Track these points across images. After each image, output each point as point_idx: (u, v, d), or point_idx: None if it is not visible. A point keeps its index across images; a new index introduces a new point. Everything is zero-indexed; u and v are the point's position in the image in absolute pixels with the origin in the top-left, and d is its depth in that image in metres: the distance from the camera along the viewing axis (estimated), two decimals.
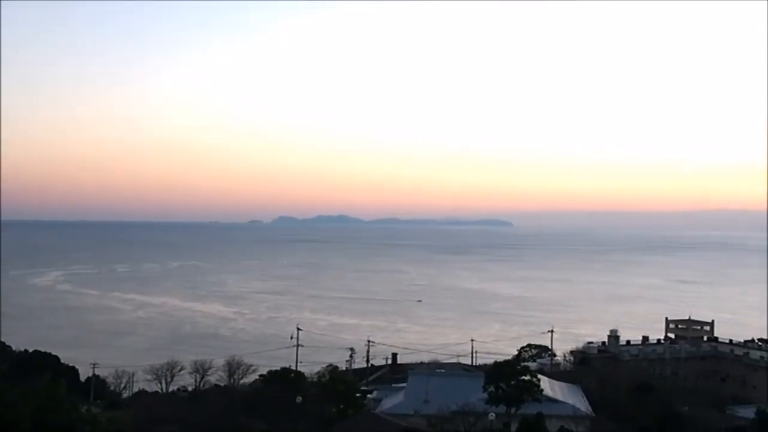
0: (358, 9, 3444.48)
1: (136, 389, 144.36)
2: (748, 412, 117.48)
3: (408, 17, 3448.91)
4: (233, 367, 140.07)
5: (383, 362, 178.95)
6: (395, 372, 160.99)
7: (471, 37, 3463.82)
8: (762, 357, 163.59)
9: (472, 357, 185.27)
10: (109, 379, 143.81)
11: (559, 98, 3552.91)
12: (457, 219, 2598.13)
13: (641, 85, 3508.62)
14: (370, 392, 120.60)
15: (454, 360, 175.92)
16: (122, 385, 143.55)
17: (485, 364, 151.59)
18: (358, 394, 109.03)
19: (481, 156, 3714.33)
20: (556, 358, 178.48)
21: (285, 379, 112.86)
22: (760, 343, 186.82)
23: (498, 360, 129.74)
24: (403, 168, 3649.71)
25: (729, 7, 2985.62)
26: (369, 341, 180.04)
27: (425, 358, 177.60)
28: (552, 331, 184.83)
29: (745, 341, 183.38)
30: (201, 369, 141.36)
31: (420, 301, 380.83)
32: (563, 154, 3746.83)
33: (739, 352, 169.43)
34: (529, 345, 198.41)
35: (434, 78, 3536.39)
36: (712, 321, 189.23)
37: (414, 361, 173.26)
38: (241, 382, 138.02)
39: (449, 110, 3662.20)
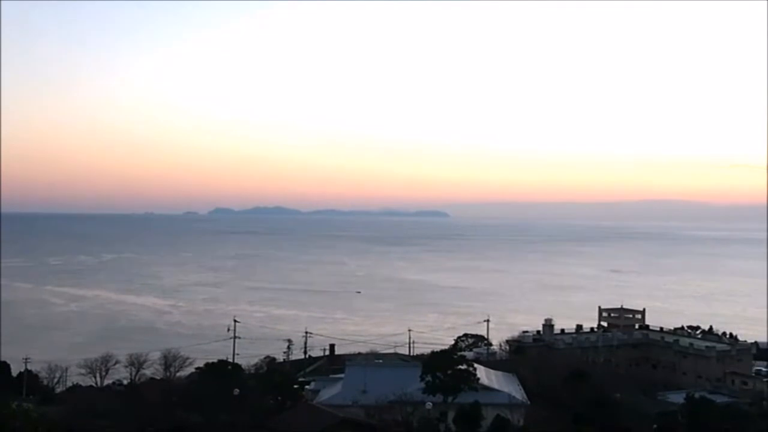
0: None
1: (69, 384, 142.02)
2: (678, 398, 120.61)
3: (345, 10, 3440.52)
4: (169, 360, 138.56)
5: (321, 353, 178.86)
6: (333, 363, 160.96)
7: (407, 28, 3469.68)
8: (691, 344, 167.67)
9: (409, 347, 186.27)
10: (42, 374, 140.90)
11: (497, 90, 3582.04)
12: (395, 210, 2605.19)
13: (581, 78, 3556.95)
14: (308, 383, 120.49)
15: (391, 350, 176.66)
16: (56, 380, 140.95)
17: (422, 354, 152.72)
18: (295, 386, 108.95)
19: (418, 147, 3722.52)
20: (492, 347, 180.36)
21: (222, 372, 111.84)
22: (689, 331, 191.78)
23: (435, 350, 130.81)
24: (341, 160, 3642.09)
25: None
26: (307, 332, 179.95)
27: (363, 348, 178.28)
28: (488, 321, 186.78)
29: (675, 329, 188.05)
30: (136, 362, 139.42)
31: (359, 292, 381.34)
32: (503, 145, 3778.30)
33: (669, 339, 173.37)
34: (465, 335, 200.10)
35: (372, 68, 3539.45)
36: (644, 309, 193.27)
37: (352, 352, 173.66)
38: (178, 375, 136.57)
39: (386, 102, 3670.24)
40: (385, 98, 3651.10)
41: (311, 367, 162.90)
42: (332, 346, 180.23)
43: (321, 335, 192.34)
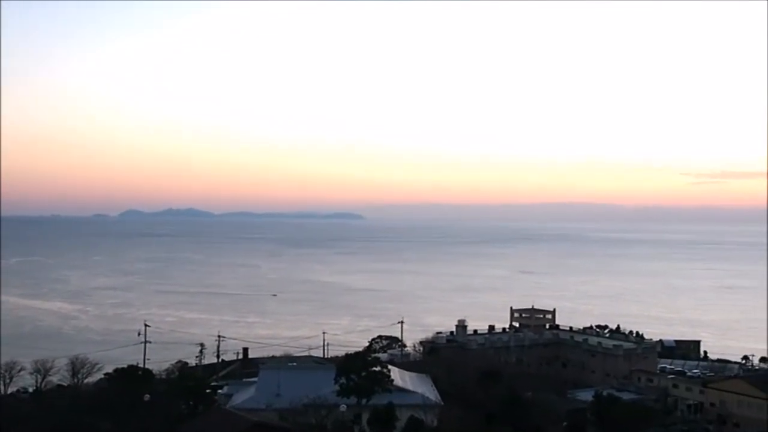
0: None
1: None
2: (586, 395, 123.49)
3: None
4: (77, 366, 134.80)
5: (234, 357, 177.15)
6: (246, 367, 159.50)
7: (328, 25, 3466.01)
8: (599, 343, 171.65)
9: (323, 349, 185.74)
10: None
11: (417, 90, 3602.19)
12: (310, 212, 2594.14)
13: (500, 80, 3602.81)
14: (221, 388, 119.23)
15: (305, 353, 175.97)
16: None
17: (337, 357, 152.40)
18: (208, 390, 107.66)
19: (333, 148, 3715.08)
20: (406, 348, 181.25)
21: (132, 378, 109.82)
22: (598, 330, 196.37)
23: (349, 352, 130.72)
24: (255, 160, 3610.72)
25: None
26: (219, 336, 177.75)
27: (277, 352, 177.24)
28: (402, 323, 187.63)
29: (584, 328, 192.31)
30: (42, 369, 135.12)
31: (275, 295, 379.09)
32: (419, 146, 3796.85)
33: (578, 338, 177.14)
34: (379, 336, 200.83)
35: (290, 66, 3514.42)
36: (554, 310, 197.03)
37: (265, 356, 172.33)
38: (86, 381, 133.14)
39: (303, 101, 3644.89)
40: (301, 97, 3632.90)
41: (224, 372, 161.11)
42: (245, 350, 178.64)
43: (234, 339, 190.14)
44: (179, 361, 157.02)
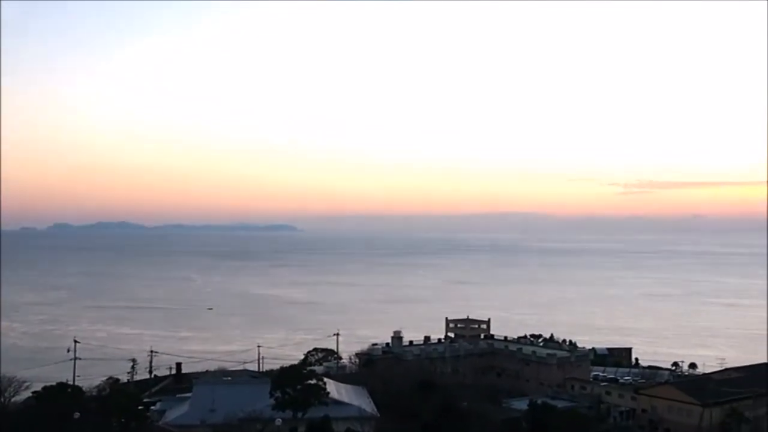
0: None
1: None
2: (521, 404, 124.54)
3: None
4: (4, 385, 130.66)
5: (167, 373, 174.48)
6: (180, 382, 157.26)
7: (267, 30, 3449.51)
8: (534, 352, 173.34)
9: (258, 363, 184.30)
10: None
11: (350, 98, 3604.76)
12: (244, 224, 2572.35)
13: (433, 89, 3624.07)
14: (154, 404, 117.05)
15: (240, 367, 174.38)
16: None
17: (272, 370, 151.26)
18: (140, 407, 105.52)
19: (266, 158, 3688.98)
20: (342, 361, 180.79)
21: (61, 395, 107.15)
22: (532, 339, 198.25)
23: (284, 365, 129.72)
24: (189, 171, 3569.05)
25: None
26: (152, 351, 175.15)
27: (211, 366, 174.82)
28: (337, 335, 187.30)
29: (519, 337, 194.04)
30: None
31: (211, 309, 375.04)
32: (353, 156, 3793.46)
33: (513, 348, 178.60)
34: (315, 349, 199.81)
35: (225, 75, 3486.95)
36: (489, 319, 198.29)
37: (199, 370, 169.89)
38: (13, 400, 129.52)
39: (236, 107, 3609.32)
40: (235, 104, 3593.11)
41: (157, 387, 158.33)
42: (179, 365, 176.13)
43: (167, 354, 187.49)
44: (110, 378, 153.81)
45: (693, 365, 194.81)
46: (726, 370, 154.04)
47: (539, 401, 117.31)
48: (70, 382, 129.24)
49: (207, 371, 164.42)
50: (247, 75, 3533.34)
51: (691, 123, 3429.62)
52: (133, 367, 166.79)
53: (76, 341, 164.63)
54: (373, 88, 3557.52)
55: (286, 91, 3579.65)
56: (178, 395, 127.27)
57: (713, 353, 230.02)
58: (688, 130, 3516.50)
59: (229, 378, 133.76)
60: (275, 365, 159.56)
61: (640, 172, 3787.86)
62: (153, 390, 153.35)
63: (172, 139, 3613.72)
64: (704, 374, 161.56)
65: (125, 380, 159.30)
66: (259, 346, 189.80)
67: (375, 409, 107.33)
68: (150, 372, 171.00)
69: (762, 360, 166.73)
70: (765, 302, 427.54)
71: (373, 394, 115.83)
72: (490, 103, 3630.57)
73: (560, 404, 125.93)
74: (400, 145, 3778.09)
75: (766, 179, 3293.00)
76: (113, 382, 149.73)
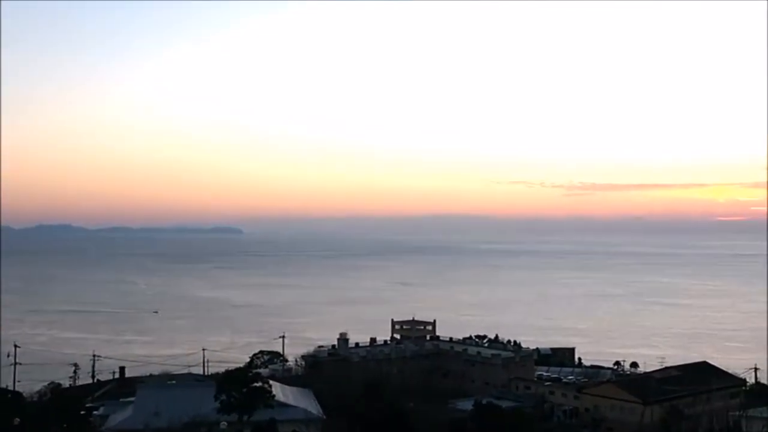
0: None
1: None
2: (467, 405, 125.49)
3: None
4: None
5: (110, 377, 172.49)
6: (123, 386, 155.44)
7: (213, 30, 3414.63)
8: (479, 353, 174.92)
9: (203, 366, 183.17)
10: None
11: (293, 99, 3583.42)
12: (189, 227, 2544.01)
13: (377, 91, 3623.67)
14: (97, 409, 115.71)
15: (185, 371, 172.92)
16: None
17: (217, 373, 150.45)
18: (83, 412, 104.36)
19: (210, 159, 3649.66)
20: (288, 363, 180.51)
21: (1, 401, 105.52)
22: (477, 340, 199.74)
23: (230, 368, 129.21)
24: (131, 173, 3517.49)
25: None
26: (95, 355, 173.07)
27: (155, 370, 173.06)
28: (283, 337, 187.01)
29: (464, 338, 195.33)
30: None
31: (156, 312, 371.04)
32: (300, 160, 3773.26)
33: (458, 348, 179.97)
34: (261, 352, 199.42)
35: (169, 80, 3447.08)
36: (434, 321, 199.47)
37: (143, 374, 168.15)
38: None
39: (177, 110, 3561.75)
40: (179, 106, 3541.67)
41: (100, 392, 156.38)
42: (122, 369, 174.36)
43: (110, 358, 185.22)
44: (52, 383, 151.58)
45: (634, 364, 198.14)
46: (666, 368, 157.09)
47: (484, 401, 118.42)
48: (11, 388, 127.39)
49: (151, 375, 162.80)
50: (194, 72, 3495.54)
51: (633, 126, 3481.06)
52: (75, 372, 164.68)
53: (16, 346, 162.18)
54: (319, 88, 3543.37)
55: (232, 90, 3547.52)
56: (121, 400, 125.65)
57: (654, 352, 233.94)
58: (630, 133, 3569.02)
59: (174, 382, 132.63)
60: (220, 368, 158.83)
61: (582, 175, 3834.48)
62: (96, 395, 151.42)
63: (113, 140, 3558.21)
64: (645, 373, 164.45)
65: (67, 385, 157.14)
66: (204, 350, 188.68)
67: (321, 412, 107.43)
68: (93, 376, 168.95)
69: (700, 358, 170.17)
70: (703, 302, 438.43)
71: (319, 397, 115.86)
72: (434, 104, 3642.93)
73: (505, 404, 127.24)
74: (346, 147, 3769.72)
75: (708, 182, 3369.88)
76: (55, 387, 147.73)
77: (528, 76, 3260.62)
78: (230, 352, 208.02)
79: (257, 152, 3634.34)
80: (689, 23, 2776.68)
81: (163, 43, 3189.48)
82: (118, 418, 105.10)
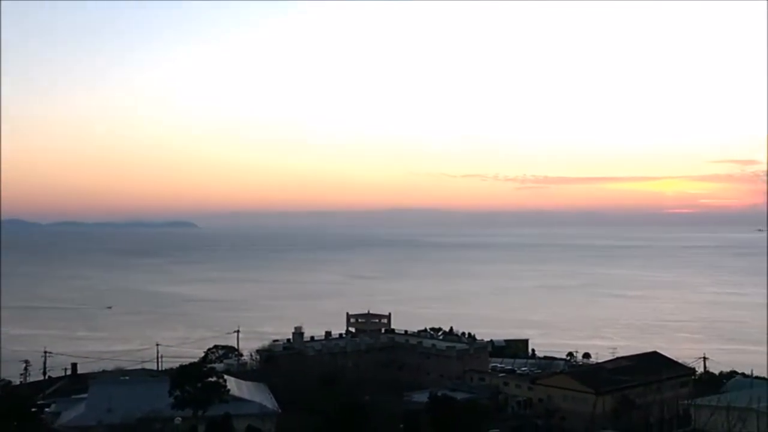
0: None
1: None
2: (422, 397, 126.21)
3: None
4: None
5: (62, 373, 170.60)
6: (76, 383, 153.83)
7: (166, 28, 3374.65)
8: (434, 345, 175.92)
9: (157, 362, 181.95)
10: None
11: (253, 98, 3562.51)
12: (141, 221, 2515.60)
13: (336, 88, 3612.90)
14: (48, 406, 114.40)
15: (139, 366, 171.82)
16: None
17: (171, 369, 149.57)
18: (34, 409, 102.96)
19: (164, 154, 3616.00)
20: (242, 357, 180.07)
21: None
22: (432, 332, 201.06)
23: (184, 363, 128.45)
24: (83, 167, 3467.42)
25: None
26: (46, 352, 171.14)
27: (108, 366, 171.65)
28: (238, 332, 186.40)
29: (419, 331, 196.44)
30: None
31: (110, 307, 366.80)
32: (253, 154, 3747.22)
33: (413, 341, 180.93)
34: (215, 346, 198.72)
35: (123, 76, 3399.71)
36: (389, 314, 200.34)
37: (96, 370, 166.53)
38: None
39: (132, 104, 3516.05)
40: (133, 100, 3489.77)
41: (51, 389, 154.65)
42: (74, 365, 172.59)
43: (62, 354, 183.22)
44: (2, 380, 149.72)
45: (587, 355, 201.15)
46: (618, 359, 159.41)
47: (439, 393, 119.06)
48: None
49: (104, 371, 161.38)
50: (157, 84, 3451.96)
51: (583, 120, 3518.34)
52: (26, 369, 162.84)
53: None
54: (281, 84, 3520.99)
55: (192, 87, 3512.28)
56: (73, 396, 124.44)
57: (606, 343, 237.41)
58: (580, 127, 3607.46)
59: (127, 377, 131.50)
60: (175, 363, 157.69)
61: (535, 168, 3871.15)
62: (47, 392, 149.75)
63: (68, 135, 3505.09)
64: (597, 363, 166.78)
65: (18, 382, 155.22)
66: (158, 345, 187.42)
67: (276, 406, 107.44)
68: (44, 373, 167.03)
69: (651, 349, 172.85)
70: (653, 293, 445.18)
71: (274, 391, 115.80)
72: (389, 96, 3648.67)
73: (460, 396, 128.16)
74: (302, 142, 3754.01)
75: (657, 175, 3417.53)
76: (5, 384, 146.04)
77: (481, 70, 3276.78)
78: (184, 347, 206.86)
79: (211, 145, 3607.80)
80: (638, 16, 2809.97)
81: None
82: (70, 414, 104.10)
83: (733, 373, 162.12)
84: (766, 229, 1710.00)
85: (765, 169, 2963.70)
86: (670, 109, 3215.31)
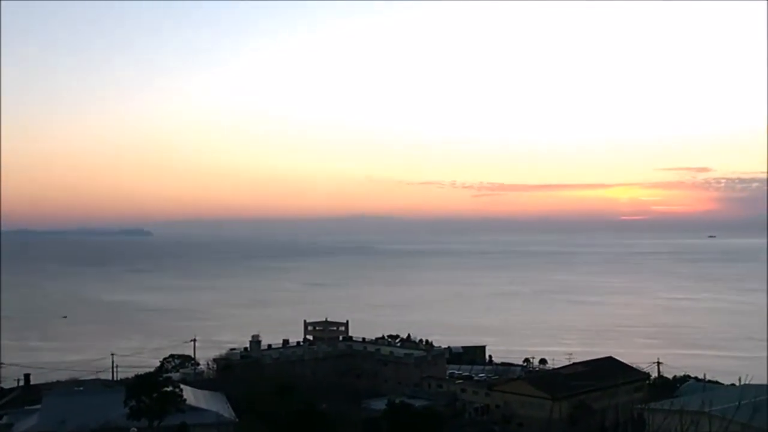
0: None
1: None
2: (380, 404, 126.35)
3: None
4: None
5: (15, 384, 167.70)
6: (29, 394, 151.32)
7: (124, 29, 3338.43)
8: (391, 352, 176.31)
9: (113, 372, 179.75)
10: None
11: (205, 103, 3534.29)
12: (94, 229, 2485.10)
13: (289, 99, 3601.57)
14: (1, 417, 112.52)
15: (93, 376, 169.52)
16: None
17: (127, 379, 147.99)
18: None
19: (116, 160, 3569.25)
20: (199, 366, 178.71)
21: None
22: (389, 340, 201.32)
23: (139, 373, 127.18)
24: (32, 173, 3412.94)
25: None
26: None
27: (62, 376, 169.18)
28: (194, 340, 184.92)
29: (377, 338, 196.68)
30: None
31: (65, 317, 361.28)
32: (212, 162, 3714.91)
33: (371, 348, 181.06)
34: (171, 355, 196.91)
35: (66, 75, 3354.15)
36: (347, 321, 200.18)
37: (50, 381, 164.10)
38: None
39: (79, 110, 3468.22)
40: (79, 106, 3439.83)
41: (4, 400, 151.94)
42: (27, 376, 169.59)
43: (15, 365, 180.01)
44: None
45: (543, 361, 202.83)
46: (574, 364, 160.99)
47: (397, 401, 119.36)
48: None
49: (58, 382, 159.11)
50: (102, 87, 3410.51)
51: (537, 127, 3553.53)
52: None
53: None
54: (231, 87, 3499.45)
55: (141, 102, 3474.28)
56: (26, 407, 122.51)
57: (562, 349, 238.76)
58: (535, 135, 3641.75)
59: (81, 388, 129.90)
60: (130, 373, 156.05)
61: (491, 175, 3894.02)
62: None
63: (18, 140, 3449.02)
64: (554, 369, 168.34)
65: None
66: (113, 355, 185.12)
67: (233, 415, 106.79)
68: None
69: (606, 354, 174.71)
70: (608, 299, 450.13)
71: (231, 400, 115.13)
72: (348, 104, 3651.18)
73: (417, 403, 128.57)
74: (252, 151, 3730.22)
75: (611, 182, 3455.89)
76: None
77: (436, 78, 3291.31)
78: (140, 356, 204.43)
79: (165, 151, 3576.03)
80: (590, 24, 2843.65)
81: None
82: (23, 426, 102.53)
83: (686, 377, 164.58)
84: (716, 235, 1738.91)
85: (716, 176, 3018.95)
86: (624, 117, 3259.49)
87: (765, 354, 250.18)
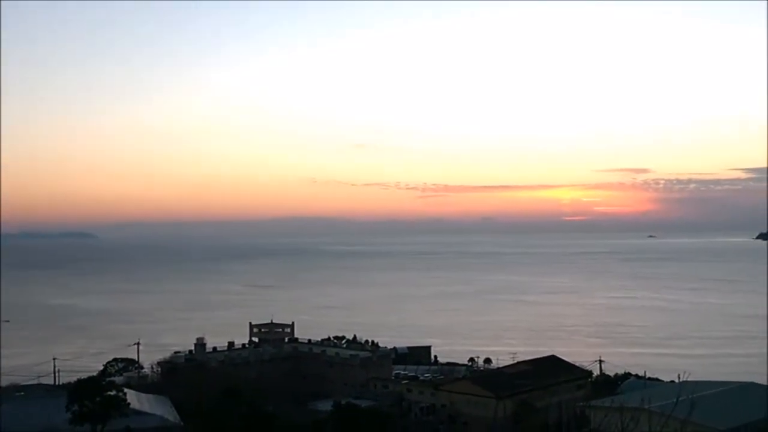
0: None
1: None
2: (326, 405, 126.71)
3: None
4: None
5: None
6: None
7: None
8: (337, 353, 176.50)
9: (54, 376, 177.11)
10: None
11: (158, 108, 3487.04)
12: (35, 231, 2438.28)
13: (247, 95, 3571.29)
14: None
15: (34, 381, 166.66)
16: None
17: (69, 383, 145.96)
18: None
19: (58, 162, 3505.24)
20: (143, 370, 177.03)
21: None
22: (335, 341, 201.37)
23: (82, 377, 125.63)
24: None
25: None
26: None
27: (3, 382, 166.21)
28: (138, 344, 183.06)
29: (323, 340, 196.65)
30: None
31: (8, 321, 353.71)
32: (159, 163, 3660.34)
33: (317, 350, 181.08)
34: (115, 359, 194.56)
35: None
36: (293, 323, 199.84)
37: None
38: None
39: (24, 109, 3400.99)
40: (25, 104, 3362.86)
41: None
42: None
43: None
44: None
45: (488, 360, 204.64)
46: (517, 363, 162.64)
47: (343, 402, 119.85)
48: None
49: None
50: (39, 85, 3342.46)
51: (483, 128, 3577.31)
52: None
53: None
54: (183, 103, 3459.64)
55: (84, 103, 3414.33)
56: None
57: (506, 348, 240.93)
58: (479, 135, 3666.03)
59: (22, 393, 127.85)
60: (72, 378, 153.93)
61: (435, 176, 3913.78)
62: None
63: None
64: (498, 368, 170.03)
65: None
66: (54, 359, 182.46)
67: (178, 418, 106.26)
68: None
69: (549, 352, 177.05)
70: (551, 299, 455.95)
71: (176, 403, 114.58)
72: (289, 105, 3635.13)
73: (364, 403, 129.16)
74: (201, 153, 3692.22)
75: (553, 183, 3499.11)
76: None
77: (378, 80, 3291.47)
78: (82, 360, 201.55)
79: (113, 153, 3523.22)
80: (535, 25, 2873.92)
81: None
82: None
83: (627, 375, 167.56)
84: (656, 235, 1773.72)
85: (655, 177, 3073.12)
86: (565, 118, 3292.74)
87: (702, 351, 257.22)
